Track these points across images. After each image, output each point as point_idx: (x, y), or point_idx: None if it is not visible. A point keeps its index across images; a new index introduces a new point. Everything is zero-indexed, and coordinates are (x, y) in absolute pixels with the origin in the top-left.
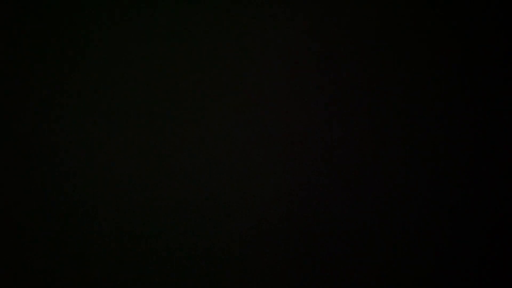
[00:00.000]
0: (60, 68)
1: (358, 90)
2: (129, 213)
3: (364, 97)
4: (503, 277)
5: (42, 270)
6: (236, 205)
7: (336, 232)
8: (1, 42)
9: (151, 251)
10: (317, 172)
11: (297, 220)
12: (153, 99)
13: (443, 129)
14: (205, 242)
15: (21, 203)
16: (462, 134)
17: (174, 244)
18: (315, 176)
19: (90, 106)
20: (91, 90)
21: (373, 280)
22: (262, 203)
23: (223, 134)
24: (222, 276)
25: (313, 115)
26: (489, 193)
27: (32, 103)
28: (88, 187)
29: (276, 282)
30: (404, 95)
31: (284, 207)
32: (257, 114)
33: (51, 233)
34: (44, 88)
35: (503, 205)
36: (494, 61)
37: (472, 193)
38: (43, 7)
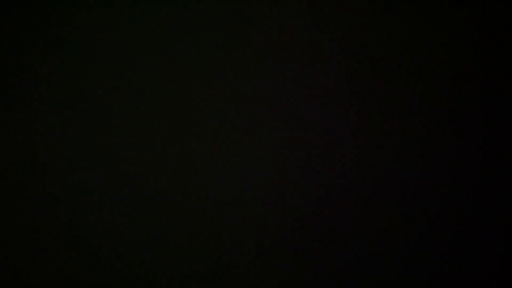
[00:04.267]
0: (58, 67)
1: (359, 90)
2: (127, 214)
3: (364, 98)
4: (503, 277)
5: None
6: (238, 207)
7: (343, 233)
8: None
9: (148, 252)
10: (319, 173)
11: (300, 222)
12: (154, 100)
13: (446, 128)
14: (204, 245)
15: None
16: (466, 134)
17: (173, 245)
18: (316, 177)
19: (86, 105)
20: (89, 88)
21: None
22: (265, 205)
23: (223, 135)
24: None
25: (314, 115)
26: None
27: (28, 102)
28: (84, 186)
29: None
30: (407, 95)
31: (285, 209)
32: (258, 114)
33: (47, 232)
34: (40, 87)
35: (504, 205)
36: (498, 61)
37: (475, 194)
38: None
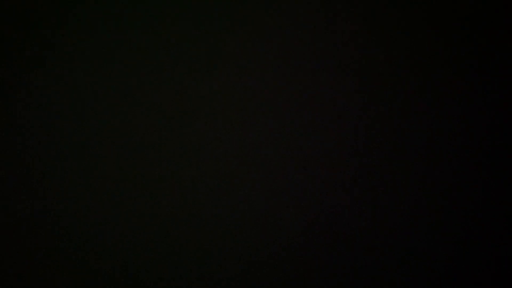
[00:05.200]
0: (56, 67)
1: (359, 90)
2: (126, 216)
3: (364, 98)
4: (503, 277)
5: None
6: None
7: (344, 235)
8: None
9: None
10: (320, 175)
11: (301, 224)
12: (153, 100)
13: (447, 129)
14: (202, 250)
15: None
16: (466, 134)
17: (171, 251)
18: (317, 179)
19: (84, 105)
20: (87, 88)
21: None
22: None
23: (224, 138)
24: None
25: (317, 116)
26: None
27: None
28: (82, 189)
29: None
30: (406, 95)
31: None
32: (260, 116)
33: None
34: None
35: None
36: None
37: (475, 194)
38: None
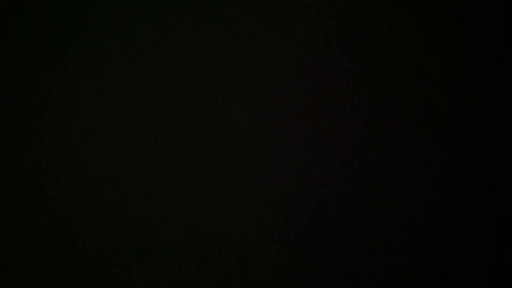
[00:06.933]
0: (57, 66)
1: (358, 90)
2: (126, 215)
3: (364, 98)
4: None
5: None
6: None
7: (342, 234)
8: None
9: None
10: (320, 173)
11: (300, 223)
12: (154, 99)
13: (446, 128)
14: (206, 245)
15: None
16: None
17: (172, 249)
18: (318, 177)
19: (86, 105)
20: (88, 89)
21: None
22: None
23: (224, 135)
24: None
25: (315, 114)
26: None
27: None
28: (84, 187)
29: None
30: (406, 94)
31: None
32: (259, 116)
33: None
34: (39, 87)
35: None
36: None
37: (475, 194)
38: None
